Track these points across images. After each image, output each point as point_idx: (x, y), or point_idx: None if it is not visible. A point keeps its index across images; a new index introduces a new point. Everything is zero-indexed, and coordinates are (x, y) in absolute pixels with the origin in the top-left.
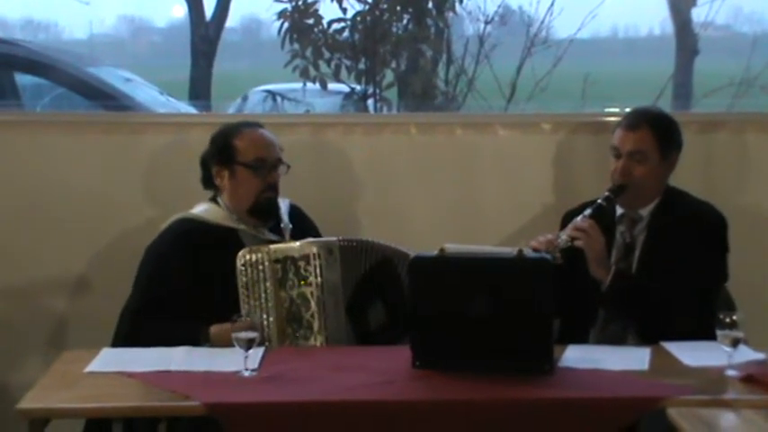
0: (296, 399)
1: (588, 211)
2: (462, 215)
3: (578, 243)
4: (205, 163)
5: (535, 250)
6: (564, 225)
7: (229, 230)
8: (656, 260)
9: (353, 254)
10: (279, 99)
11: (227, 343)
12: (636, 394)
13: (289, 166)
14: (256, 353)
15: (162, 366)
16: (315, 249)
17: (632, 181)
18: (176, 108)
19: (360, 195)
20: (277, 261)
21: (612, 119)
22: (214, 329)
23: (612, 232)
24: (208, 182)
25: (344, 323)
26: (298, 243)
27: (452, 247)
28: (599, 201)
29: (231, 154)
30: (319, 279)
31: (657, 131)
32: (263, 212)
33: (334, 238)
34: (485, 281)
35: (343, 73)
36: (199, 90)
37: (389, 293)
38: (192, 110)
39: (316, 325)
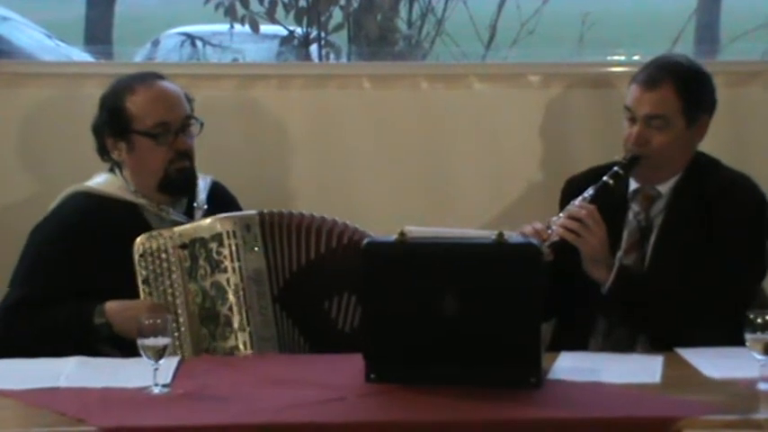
0: (218, 421)
1: (589, 192)
2: (428, 190)
3: (571, 238)
4: (98, 132)
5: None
6: (564, 199)
7: (132, 207)
8: (675, 249)
9: (280, 230)
10: (199, 44)
11: (132, 323)
12: (645, 414)
13: (202, 124)
14: (169, 364)
15: (48, 382)
16: (229, 226)
17: (649, 152)
18: (67, 55)
19: (299, 166)
20: (183, 246)
21: (617, 70)
22: (112, 304)
23: (624, 211)
24: (105, 153)
25: (275, 318)
26: (208, 220)
27: (415, 230)
28: (605, 179)
29: (125, 121)
30: (236, 263)
31: (683, 90)
32: (176, 187)
33: (253, 212)
34: (455, 272)
35: (280, 12)
36: (97, 32)
37: (344, 283)
38: (89, 57)
39: (235, 321)
